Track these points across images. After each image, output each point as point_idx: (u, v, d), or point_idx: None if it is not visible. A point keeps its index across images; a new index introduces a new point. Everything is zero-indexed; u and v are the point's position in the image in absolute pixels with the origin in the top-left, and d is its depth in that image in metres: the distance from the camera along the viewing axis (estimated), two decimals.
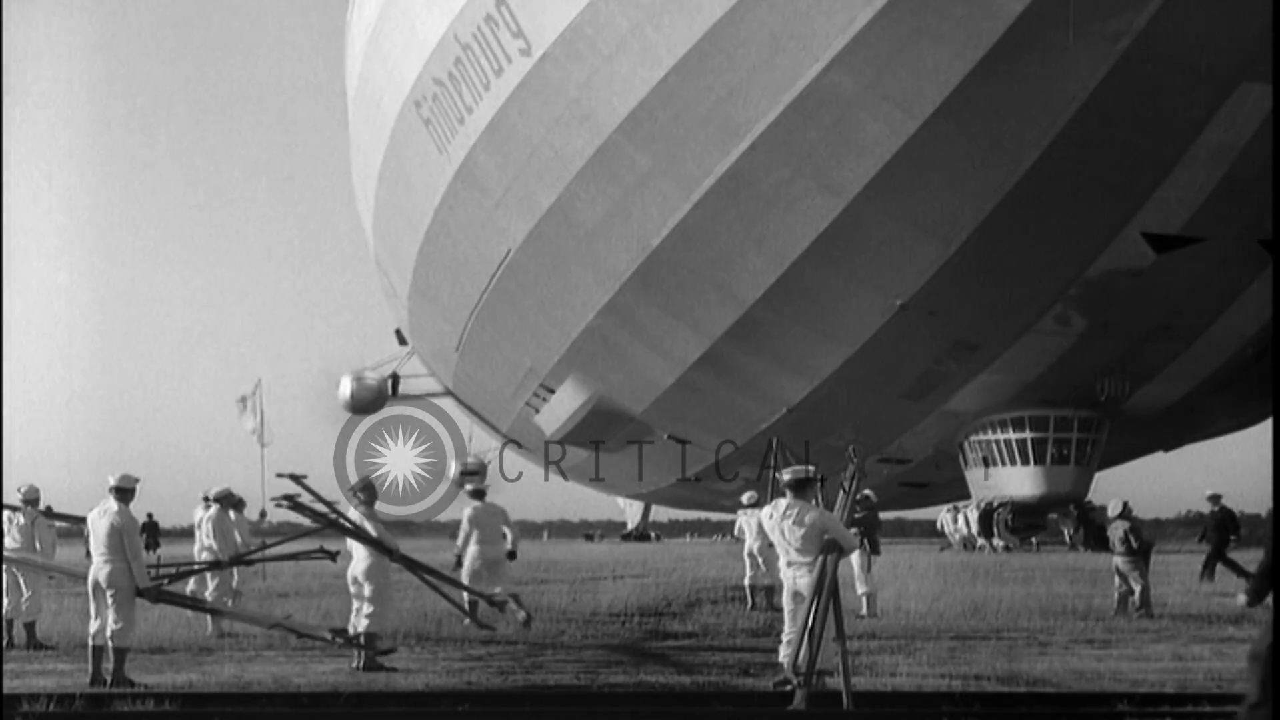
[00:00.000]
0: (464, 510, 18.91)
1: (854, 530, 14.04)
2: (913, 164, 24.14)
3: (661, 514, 76.91)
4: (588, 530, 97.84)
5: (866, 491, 19.46)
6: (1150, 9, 21.63)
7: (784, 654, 12.44)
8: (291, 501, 16.18)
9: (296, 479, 16.29)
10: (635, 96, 25.50)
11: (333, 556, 18.84)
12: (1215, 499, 26.70)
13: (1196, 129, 23.90)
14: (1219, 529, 25.77)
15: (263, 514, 20.12)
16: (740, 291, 27.95)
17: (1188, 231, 26.24)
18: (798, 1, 23.28)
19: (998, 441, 34.51)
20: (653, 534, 79.24)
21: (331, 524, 16.28)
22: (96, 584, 13.79)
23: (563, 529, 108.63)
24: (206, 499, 18.97)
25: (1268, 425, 33.09)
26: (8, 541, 16.90)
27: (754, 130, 24.72)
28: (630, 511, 74.54)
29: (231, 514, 19.24)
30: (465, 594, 17.48)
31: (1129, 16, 21.85)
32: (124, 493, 14.01)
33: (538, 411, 34.83)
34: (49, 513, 17.25)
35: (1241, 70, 22.62)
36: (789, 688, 11.94)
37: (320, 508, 16.21)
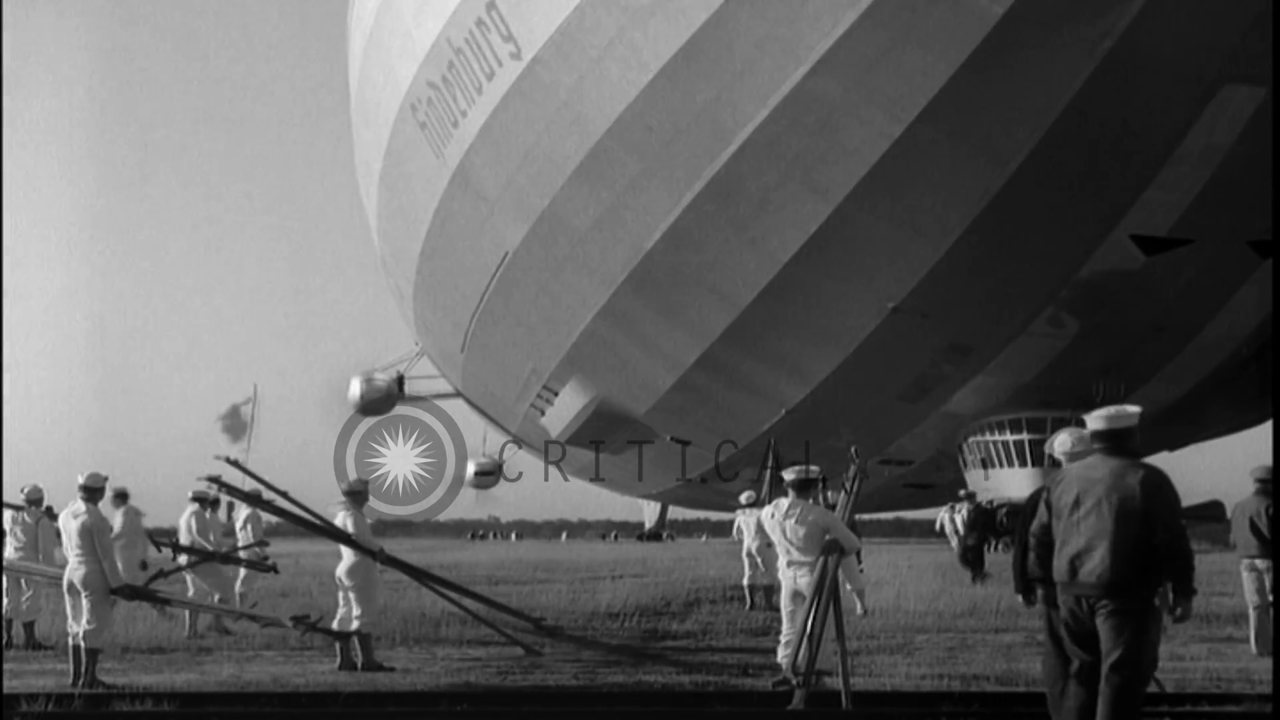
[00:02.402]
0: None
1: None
2: (900, 167, 24.12)
3: (676, 513, 77.31)
4: (603, 530, 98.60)
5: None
6: (1132, 11, 21.62)
7: (783, 654, 12.46)
8: (219, 482, 16.33)
9: (232, 463, 16.39)
10: (624, 100, 25.50)
11: (273, 568, 19.01)
12: (972, 496, 27.11)
13: (1181, 131, 23.88)
14: (980, 527, 26.26)
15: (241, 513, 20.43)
16: (734, 294, 27.96)
17: (1176, 233, 26.23)
18: (782, 5, 23.25)
19: (996, 443, 34.55)
20: (665, 534, 79.69)
21: (274, 510, 16.37)
22: (72, 585, 13.80)
23: (561, 528, 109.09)
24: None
25: (1268, 426, 33.11)
26: (11, 541, 16.95)
27: (741, 133, 24.71)
28: (648, 511, 74.92)
29: (207, 513, 19.51)
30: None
31: (1111, 18, 21.84)
32: (92, 492, 14.03)
33: (543, 413, 34.88)
34: (50, 512, 17.30)
35: (1226, 72, 22.62)
36: (788, 688, 11.95)
37: (274, 498, 16.35)
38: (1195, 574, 8.57)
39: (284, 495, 16.10)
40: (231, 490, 16.48)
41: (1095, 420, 8.85)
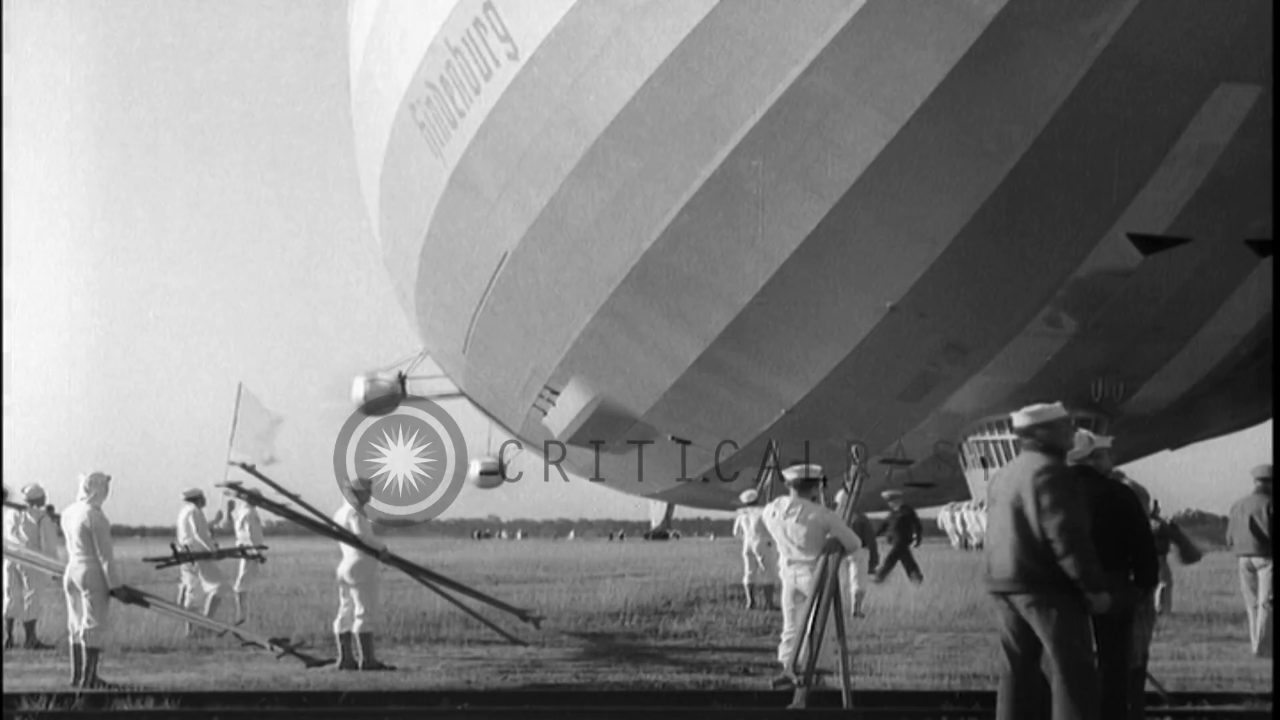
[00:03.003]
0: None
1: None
2: (896, 166, 24.11)
3: (683, 512, 77.62)
4: (609, 530, 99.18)
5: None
6: (1126, 10, 21.68)
7: (784, 653, 12.49)
8: (237, 490, 16.40)
9: (248, 468, 16.45)
10: (621, 100, 25.49)
11: (258, 557, 19.33)
12: (895, 498, 27.21)
13: (1177, 130, 23.87)
14: (900, 528, 26.35)
15: (219, 515, 20.56)
16: (732, 294, 27.95)
17: (1173, 232, 26.22)
18: (777, 4, 23.28)
19: (995, 442, 34.50)
20: (671, 532, 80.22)
21: (288, 514, 16.44)
22: (72, 584, 13.84)
23: (563, 527, 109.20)
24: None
25: (1268, 425, 33.12)
26: (12, 539, 16.99)
27: (738, 133, 24.73)
28: (654, 510, 75.31)
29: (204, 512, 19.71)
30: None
31: (1105, 17, 21.88)
32: (94, 491, 14.07)
33: (545, 413, 34.90)
34: (52, 511, 17.38)
35: (1220, 71, 22.64)
36: (788, 686, 11.98)
37: (281, 499, 16.41)
38: (1090, 568, 8.56)
39: (295, 499, 16.18)
40: (251, 496, 16.53)
41: (1017, 417, 9.01)
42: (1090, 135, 23.58)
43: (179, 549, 18.76)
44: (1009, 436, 34.47)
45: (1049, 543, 8.54)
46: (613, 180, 26.89)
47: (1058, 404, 9.11)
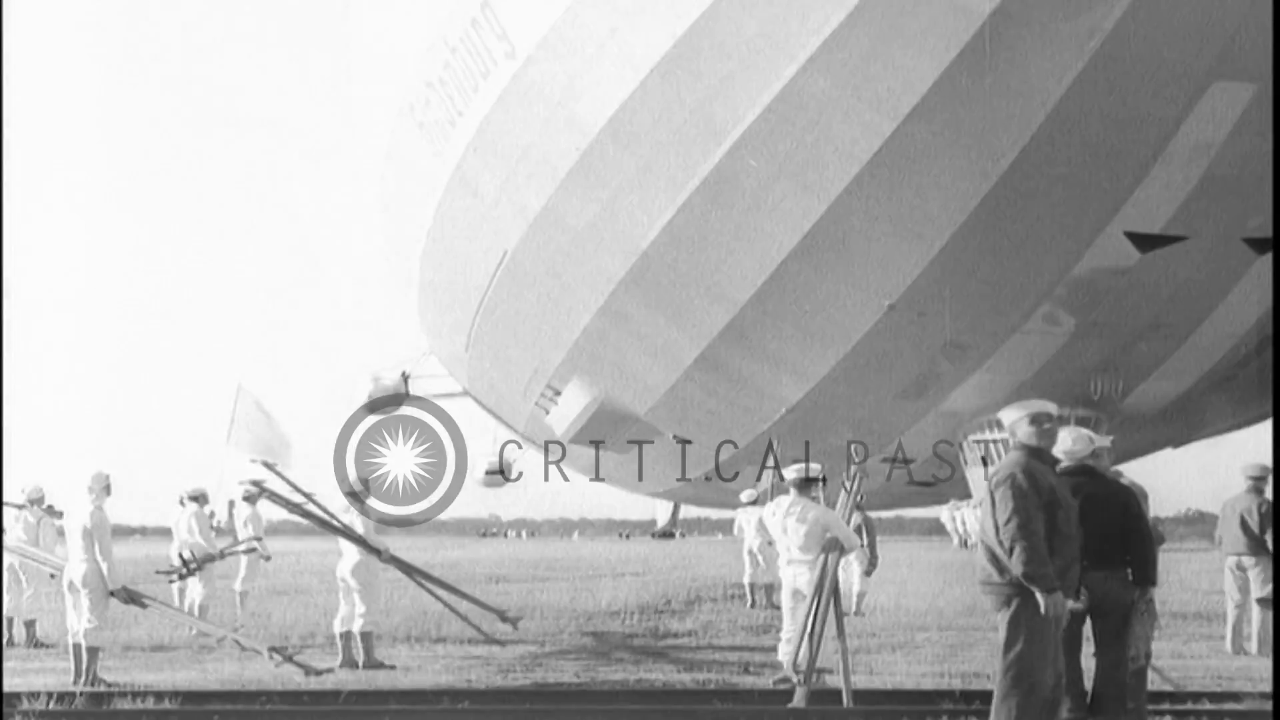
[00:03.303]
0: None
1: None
2: (892, 165, 24.09)
3: (690, 511, 77.67)
4: (615, 530, 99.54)
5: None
6: (1121, 7, 21.71)
7: (784, 652, 12.51)
8: (259, 488, 16.44)
9: (269, 466, 16.49)
10: (618, 99, 25.46)
11: (256, 548, 19.47)
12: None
13: (1172, 128, 23.85)
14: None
15: (212, 514, 20.56)
16: (731, 293, 27.93)
17: (1170, 230, 26.22)
18: (773, 3, 23.31)
19: (995, 441, 34.46)
20: (677, 532, 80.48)
21: (304, 513, 16.47)
22: (72, 583, 13.87)
23: (563, 526, 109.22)
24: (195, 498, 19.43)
25: (1268, 424, 33.12)
26: (11, 539, 17.02)
27: (734, 132, 24.76)
28: (660, 509, 75.34)
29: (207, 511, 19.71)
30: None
31: (1100, 14, 21.91)
32: (97, 491, 14.09)
33: (548, 412, 34.91)
34: (51, 510, 17.41)
35: (1215, 68, 22.68)
36: (788, 685, 12.00)
37: (297, 497, 16.44)
38: (1035, 569, 8.61)
39: (309, 498, 16.23)
40: (273, 495, 16.58)
41: (1001, 414, 9.12)
42: (1086, 132, 23.58)
43: (182, 552, 18.77)
44: (1008, 435, 34.38)
45: (1000, 542, 8.61)
46: (610, 180, 26.87)
47: (1040, 400, 9.12)
